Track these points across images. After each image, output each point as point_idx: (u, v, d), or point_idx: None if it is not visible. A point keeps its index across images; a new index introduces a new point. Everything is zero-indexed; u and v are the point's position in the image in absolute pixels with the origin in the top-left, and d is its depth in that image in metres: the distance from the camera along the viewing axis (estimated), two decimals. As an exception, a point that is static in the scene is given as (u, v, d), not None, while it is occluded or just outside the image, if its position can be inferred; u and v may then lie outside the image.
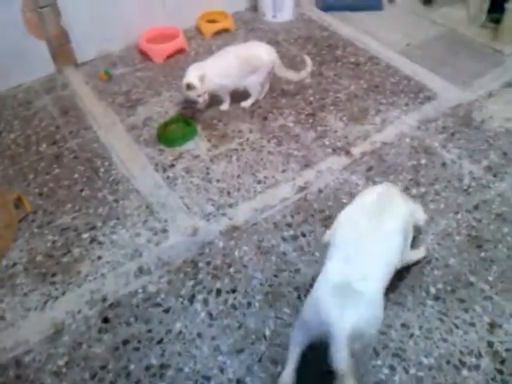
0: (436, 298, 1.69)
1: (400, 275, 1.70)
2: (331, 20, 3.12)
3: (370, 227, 1.41)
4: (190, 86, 2.25)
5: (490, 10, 2.91)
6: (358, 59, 2.77)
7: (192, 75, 2.26)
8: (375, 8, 3.17)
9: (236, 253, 1.85)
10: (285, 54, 2.74)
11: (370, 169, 2.14)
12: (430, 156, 2.18)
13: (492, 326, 1.61)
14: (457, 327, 1.61)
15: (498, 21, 2.85)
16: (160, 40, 2.87)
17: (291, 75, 2.46)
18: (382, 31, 2.96)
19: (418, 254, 1.76)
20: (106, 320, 1.67)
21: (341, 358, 1.16)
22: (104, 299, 1.73)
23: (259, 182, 2.12)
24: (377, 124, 2.35)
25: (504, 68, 2.68)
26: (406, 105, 2.45)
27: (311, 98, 2.53)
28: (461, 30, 2.96)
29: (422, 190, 2.03)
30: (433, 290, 1.71)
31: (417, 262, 1.76)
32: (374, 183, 2.07)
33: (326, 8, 3.19)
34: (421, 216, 1.66)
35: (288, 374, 1.39)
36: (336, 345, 1.17)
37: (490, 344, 1.57)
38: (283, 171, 2.17)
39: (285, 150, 2.26)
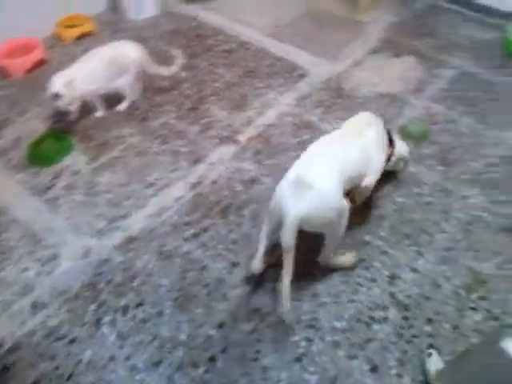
0: (338, 264, 1.79)
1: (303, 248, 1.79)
2: (198, 11, 3.11)
3: (334, 141, 1.69)
4: (56, 96, 2.12)
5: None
6: (230, 46, 2.80)
7: (57, 84, 2.13)
8: (238, -6, 3.23)
9: (137, 264, 1.80)
10: (153, 50, 2.67)
11: (258, 152, 2.19)
12: (312, 130, 2.28)
13: (392, 278, 1.75)
14: (361, 285, 1.73)
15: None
16: (18, 53, 2.66)
17: (162, 71, 2.42)
18: (250, 16, 3.02)
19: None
20: (5, 368, 1.54)
21: (286, 237, 1.44)
22: (0, 345, 1.58)
23: (150, 186, 2.07)
24: (258, 108, 2.41)
25: (366, 36, 2.88)
26: (282, 85, 2.54)
27: (189, 92, 2.51)
28: (323, 5, 3.12)
29: (311, 163, 2.13)
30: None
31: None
32: (264, 166, 2.13)
33: (190, -1, 3.17)
34: (404, 149, 1.95)
35: (258, 258, 1.62)
36: (286, 226, 1.44)
37: (393, 295, 1.70)
38: (173, 170, 2.13)
39: (171, 148, 2.22)
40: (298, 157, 2.10)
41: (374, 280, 1.74)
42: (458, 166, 2.13)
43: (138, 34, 2.91)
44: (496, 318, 1.63)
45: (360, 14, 3.01)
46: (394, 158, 1.89)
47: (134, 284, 1.73)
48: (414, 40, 2.85)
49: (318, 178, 1.49)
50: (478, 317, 1.64)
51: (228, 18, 3.01)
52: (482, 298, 1.69)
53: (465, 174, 2.10)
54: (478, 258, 1.80)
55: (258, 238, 1.64)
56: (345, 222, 1.59)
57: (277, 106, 2.42)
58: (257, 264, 1.63)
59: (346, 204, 1.56)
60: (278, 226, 1.52)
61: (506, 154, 2.18)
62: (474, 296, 1.69)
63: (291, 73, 2.61)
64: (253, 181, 2.07)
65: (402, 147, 1.94)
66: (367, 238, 1.86)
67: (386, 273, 1.76)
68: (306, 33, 2.90)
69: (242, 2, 3.17)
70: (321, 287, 1.72)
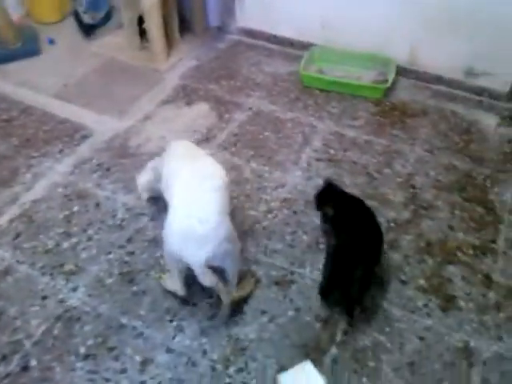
0: (86, 357, 1.62)
1: (43, 349, 1.63)
2: (-17, 78, 2.91)
3: (193, 177, 1.62)
4: None
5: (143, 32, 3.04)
6: (10, 114, 2.61)
7: None
8: (32, 54, 3.06)
9: None
10: None
11: (17, 235, 2.00)
12: (84, 200, 2.13)
13: (144, 364, 1.61)
14: (108, 381, 1.57)
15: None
16: None
17: None
18: (38, 77, 2.86)
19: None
20: None
21: (204, 279, 1.53)
22: None
23: None
24: (27, 182, 2.23)
25: (161, 86, 2.82)
26: (60, 151, 2.38)
27: (-46, 174, 2.30)
28: (120, 56, 3.04)
29: (74, 240, 1.98)
30: (82, 350, 1.64)
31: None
32: (22, 251, 1.94)
33: (-24, 65, 2.96)
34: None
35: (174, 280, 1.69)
36: (197, 272, 1.52)
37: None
38: None
39: None
40: (63, 234, 2.01)
41: (123, 371, 1.59)
42: (236, 217, 2.06)
43: None
44: (252, 392, 1.55)
45: (157, 62, 2.95)
46: None
47: None
48: (211, 84, 2.83)
49: (208, 222, 1.50)
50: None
51: (14, 82, 2.82)
52: (240, 370, 1.59)
53: (243, 225, 2.04)
54: (241, 322, 1.72)
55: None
56: (238, 243, 1.67)
57: (50, 176, 2.25)
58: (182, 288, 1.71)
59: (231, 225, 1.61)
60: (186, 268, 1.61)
61: (287, 196, 2.17)
62: (231, 369, 1.59)
63: (73, 136, 2.47)
64: (5, 272, 1.87)
65: None
66: (123, 320, 1.71)
67: (139, 359, 1.62)
68: (96, 89, 2.79)
69: (33, 64, 3.00)
70: (63, 390, 1.55)
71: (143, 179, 1.96)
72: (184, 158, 1.74)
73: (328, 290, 1.76)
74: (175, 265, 1.62)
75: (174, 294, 1.75)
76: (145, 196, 2.00)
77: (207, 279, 1.54)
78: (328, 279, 1.74)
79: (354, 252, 1.64)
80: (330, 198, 1.88)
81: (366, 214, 1.80)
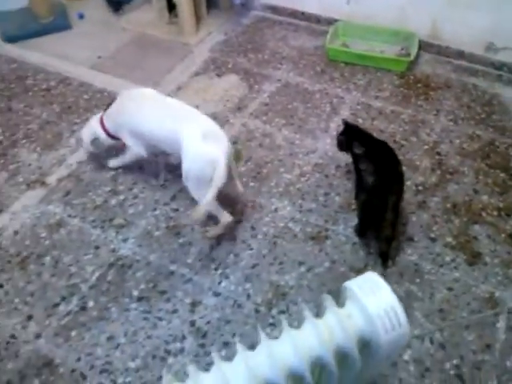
0: (139, 299, 1.80)
1: (99, 292, 1.81)
2: (19, 50, 3.04)
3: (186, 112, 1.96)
4: None
5: (172, 7, 3.18)
6: (49, 84, 2.77)
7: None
8: (64, 28, 3.22)
9: None
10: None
11: (67, 193, 2.17)
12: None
13: (193, 306, 1.78)
14: (161, 320, 1.74)
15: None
16: None
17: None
18: (72, 50, 3.01)
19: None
20: None
21: (224, 174, 1.76)
22: None
23: None
24: (71, 146, 2.40)
25: (191, 59, 2.98)
26: (100, 118, 2.55)
27: (0, 137, 2.46)
28: (149, 31, 3.19)
29: (121, 197, 2.15)
30: (135, 293, 1.81)
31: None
32: (73, 206, 2.11)
33: (11, 39, 3.11)
34: None
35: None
36: (221, 169, 1.74)
37: (192, 323, 1.73)
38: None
39: (-31, 203, 2.15)
40: (110, 192, 2.18)
41: (175, 311, 1.76)
42: (271, 179, 2.23)
43: None
44: (293, 330, 1.71)
45: (187, 37, 3.10)
46: None
47: None
48: (240, 57, 2.98)
49: (216, 127, 1.88)
50: (276, 332, 1.70)
51: (49, 54, 2.98)
52: (282, 312, 1.76)
53: (277, 186, 2.21)
54: (280, 271, 1.88)
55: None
56: None
57: (93, 141, 2.43)
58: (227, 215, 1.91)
59: None
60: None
61: (318, 161, 2.33)
62: (274, 311, 1.76)
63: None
64: (58, 224, 2.05)
65: None
66: (172, 267, 1.89)
67: (188, 301, 1.79)
68: (129, 61, 2.94)
69: (65, 37, 3.16)
70: (118, 328, 1.72)
71: (88, 134, 2.15)
72: (160, 106, 2.00)
73: (364, 227, 1.96)
74: (206, 187, 1.76)
75: (219, 242, 1.94)
76: (90, 149, 2.20)
77: (225, 175, 1.76)
78: (364, 212, 1.94)
79: (387, 183, 1.85)
80: (355, 137, 2.08)
81: (388, 149, 2.02)
